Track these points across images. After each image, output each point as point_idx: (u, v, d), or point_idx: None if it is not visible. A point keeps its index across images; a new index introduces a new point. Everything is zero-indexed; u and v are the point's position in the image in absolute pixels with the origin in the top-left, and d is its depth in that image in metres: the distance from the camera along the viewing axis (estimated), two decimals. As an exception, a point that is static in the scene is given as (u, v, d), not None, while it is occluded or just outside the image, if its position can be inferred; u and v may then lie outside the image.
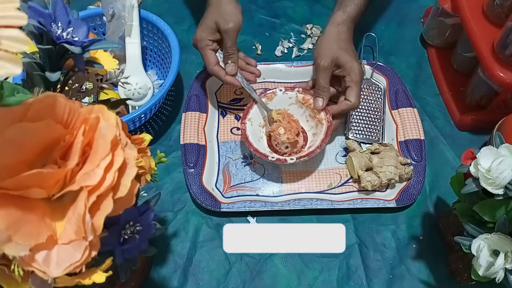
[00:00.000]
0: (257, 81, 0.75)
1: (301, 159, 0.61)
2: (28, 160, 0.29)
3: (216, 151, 0.68)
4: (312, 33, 0.84)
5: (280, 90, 0.68)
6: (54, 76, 0.34)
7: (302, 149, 0.66)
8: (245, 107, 0.68)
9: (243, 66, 0.69)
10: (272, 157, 0.62)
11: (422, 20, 0.84)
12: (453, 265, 0.57)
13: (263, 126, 0.69)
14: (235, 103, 0.74)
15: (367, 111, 0.71)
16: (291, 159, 0.61)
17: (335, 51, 0.63)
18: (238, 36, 0.64)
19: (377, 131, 0.70)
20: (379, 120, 0.71)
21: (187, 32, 0.84)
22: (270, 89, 0.69)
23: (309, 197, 0.63)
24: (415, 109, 0.70)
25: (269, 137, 0.68)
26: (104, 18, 0.71)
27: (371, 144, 0.67)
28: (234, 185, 0.65)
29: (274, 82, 0.75)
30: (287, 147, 0.67)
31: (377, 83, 0.74)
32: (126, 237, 0.39)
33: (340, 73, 0.64)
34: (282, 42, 0.83)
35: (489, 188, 0.43)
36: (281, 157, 0.62)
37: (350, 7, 0.67)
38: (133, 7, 0.69)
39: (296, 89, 0.68)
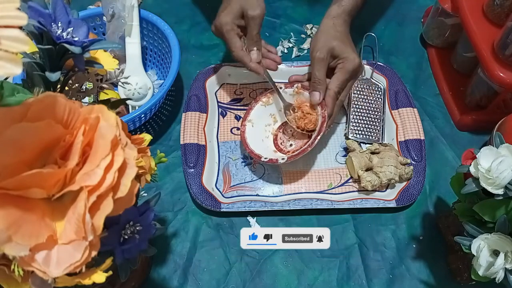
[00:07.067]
0: (257, 81, 0.75)
1: (292, 158, 0.61)
2: (28, 160, 0.29)
3: (216, 151, 0.68)
4: (312, 33, 0.84)
5: (280, 87, 0.68)
6: (54, 76, 0.34)
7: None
8: (245, 107, 0.67)
9: (264, 53, 0.68)
10: (265, 158, 0.62)
11: (422, 20, 0.84)
12: (453, 265, 0.57)
13: (268, 125, 0.69)
14: (235, 103, 0.74)
15: (367, 111, 0.71)
16: (282, 158, 0.61)
17: (330, 42, 0.62)
18: None
19: (377, 131, 0.70)
20: (379, 120, 0.71)
21: (187, 32, 0.84)
22: (268, 89, 0.69)
23: (309, 197, 0.63)
24: (415, 109, 0.70)
25: (275, 137, 0.68)
26: (104, 18, 0.71)
27: (371, 144, 0.67)
28: (234, 185, 0.65)
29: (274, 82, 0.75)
30: (291, 145, 0.67)
31: (377, 83, 0.74)
32: (126, 237, 0.39)
33: (336, 63, 0.63)
34: (282, 42, 0.83)
35: (489, 188, 0.43)
36: (273, 157, 0.62)
37: (346, 1, 0.66)
38: (133, 7, 0.70)
39: (296, 85, 0.67)
